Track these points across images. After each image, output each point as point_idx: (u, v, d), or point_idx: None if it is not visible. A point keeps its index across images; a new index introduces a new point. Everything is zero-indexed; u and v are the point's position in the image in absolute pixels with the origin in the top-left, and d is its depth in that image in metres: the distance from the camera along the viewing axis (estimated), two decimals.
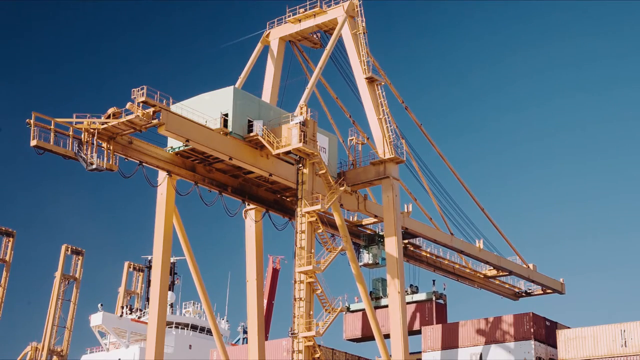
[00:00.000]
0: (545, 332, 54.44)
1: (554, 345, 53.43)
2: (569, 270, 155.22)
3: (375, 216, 57.13)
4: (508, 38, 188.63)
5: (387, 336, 52.53)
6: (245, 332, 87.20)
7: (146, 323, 67.28)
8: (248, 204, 54.25)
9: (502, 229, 64.58)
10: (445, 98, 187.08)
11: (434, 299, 62.97)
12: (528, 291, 71.10)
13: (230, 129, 49.17)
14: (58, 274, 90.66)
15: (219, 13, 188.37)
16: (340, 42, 55.30)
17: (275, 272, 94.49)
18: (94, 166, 45.63)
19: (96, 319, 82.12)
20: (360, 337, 64.75)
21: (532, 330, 53.67)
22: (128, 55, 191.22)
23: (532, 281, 68.96)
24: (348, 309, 63.91)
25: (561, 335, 52.66)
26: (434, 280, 64.27)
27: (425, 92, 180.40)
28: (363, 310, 64.75)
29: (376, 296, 61.81)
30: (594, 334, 51.71)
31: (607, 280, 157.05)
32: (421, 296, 63.24)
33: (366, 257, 59.03)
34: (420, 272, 65.14)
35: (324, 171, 49.71)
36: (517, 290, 70.88)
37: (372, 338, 64.35)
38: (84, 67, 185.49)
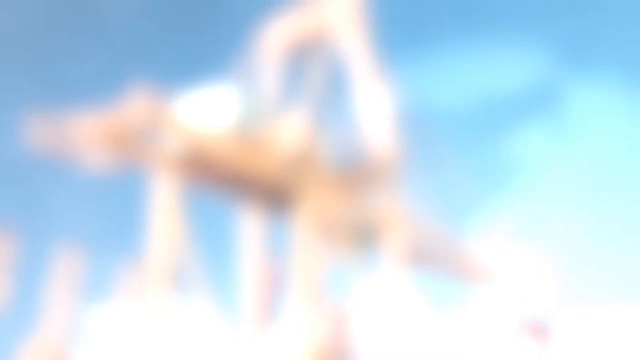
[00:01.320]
0: (545, 330, 54.50)
1: (554, 344, 53.49)
2: (568, 268, 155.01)
3: (375, 216, 57.06)
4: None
5: None
6: (244, 332, 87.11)
7: (146, 323, 67.21)
8: (248, 204, 54.21)
9: (503, 228, 64.54)
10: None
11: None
12: (528, 289, 71.02)
13: (230, 128, 49.15)
14: (58, 274, 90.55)
15: (218, 12, 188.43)
16: (340, 41, 55.22)
17: (275, 272, 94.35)
18: (93, 166, 45.62)
19: (96, 319, 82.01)
20: None
21: (532, 329, 53.73)
22: (127, 55, 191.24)
23: (533, 279, 68.87)
24: None
25: (561, 330, 52.76)
26: (424, 284, 64.31)
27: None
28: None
29: None
30: (594, 329, 51.83)
31: (607, 277, 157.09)
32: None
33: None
34: (412, 274, 65.05)
35: (324, 171, 49.70)
36: (517, 289, 70.77)
37: None
38: (83, 66, 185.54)
